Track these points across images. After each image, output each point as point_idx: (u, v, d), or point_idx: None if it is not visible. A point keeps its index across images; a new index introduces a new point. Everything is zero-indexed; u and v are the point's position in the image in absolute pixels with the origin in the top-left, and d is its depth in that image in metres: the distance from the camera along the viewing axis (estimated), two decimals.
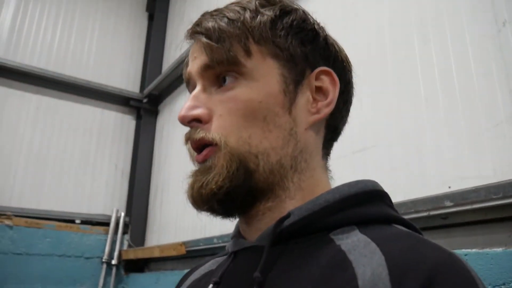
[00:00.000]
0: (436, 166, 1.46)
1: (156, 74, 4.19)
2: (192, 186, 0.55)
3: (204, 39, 0.56)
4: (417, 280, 0.40)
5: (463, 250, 1.21)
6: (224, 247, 2.27)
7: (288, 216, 0.52)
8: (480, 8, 1.44)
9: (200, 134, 0.55)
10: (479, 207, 1.23)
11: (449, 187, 1.41)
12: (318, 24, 0.63)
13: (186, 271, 2.82)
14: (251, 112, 0.54)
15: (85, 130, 3.91)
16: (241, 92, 0.55)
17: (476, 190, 1.23)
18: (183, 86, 3.70)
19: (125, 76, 4.26)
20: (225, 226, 2.62)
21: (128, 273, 3.59)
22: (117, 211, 3.76)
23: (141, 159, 4.00)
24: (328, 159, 0.64)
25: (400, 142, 1.59)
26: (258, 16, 0.57)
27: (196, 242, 2.66)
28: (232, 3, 0.60)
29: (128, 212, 3.82)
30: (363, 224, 0.51)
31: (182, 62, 3.46)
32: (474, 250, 1.19)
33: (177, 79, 3.75)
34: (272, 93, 0.56)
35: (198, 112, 0.55)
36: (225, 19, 0.56)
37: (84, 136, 3.90)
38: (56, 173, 3.66)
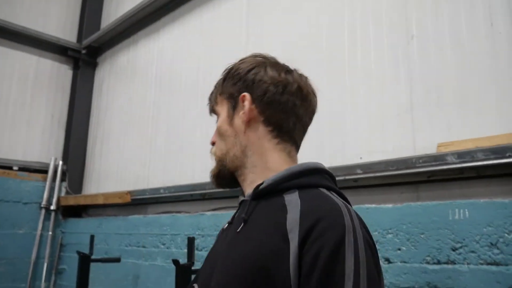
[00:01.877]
0: (353, 141, 1.91)
1: (95, 25, 4.20)
2: (210, 175, 1.03)
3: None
4: (310, 223, 0.77)
5: (366, 205, 1.68)
6: (169, 197, 2.63)
7: (261, 184, 0.90)
8: (396, 22, 1.86)
9: (212, 150, 1.04)
10: (380, 175, 1.69)
11: (361, 158, 1.87)
12: (243, 68, 1.00)
13: (130, 217, 3.12)
14: (219, 133, 1.01)
15: (20, 77, 3.89)
16: (218, 123, 1.02)
17: (380, 163, 1.69)
18: (126, 41, 3.82)
19: (61, 25, 4.22)
20: (167, 178, 2.94)
21: (66, 218, 3.78)
22: (55, 159, 3.87)
23: (78, 110, 4.08)
24: (286, 143, 0.98)
25: (327, 120, 2.01)
26: (220, 79, 1.04)
27: (143, 191, 2.96)
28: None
29: (65, 161, 3.94)
30: (301, 188, 0.88)
31: (126, 19, 3.56)
32: (373, 205, 1.66)
33: (119, 34, 3.84)
34: (224, 120, 1.00)
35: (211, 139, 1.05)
36: (214, 85, 1.07)
37: (19, 83, 3.88)
38: None
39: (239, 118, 0.97)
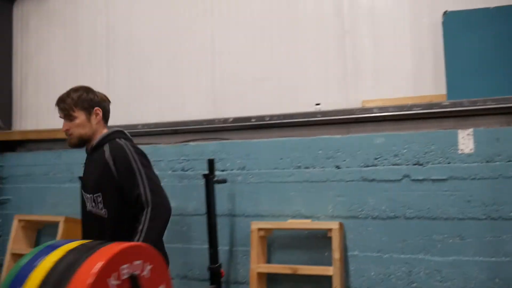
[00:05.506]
0: (307, 95, 3.00)
1: None
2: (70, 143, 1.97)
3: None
4: (114, 154, 1.84)
5: (323, 136, 2.82)
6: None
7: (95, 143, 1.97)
8: (333, 22, 2.94)
9: (72, 132, 1.93)
10: (333, 118, 2.84)
11: (317, 105, 2.98)
12: (86, 95, 1.91)
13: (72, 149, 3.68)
14: (78, 125, 1.90)
15: None
16: (78, 121, 1.90)
17: (332, 111, 2.82)
18: None
19: None
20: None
21: (2, 152, 3.97)
22: None
23: None
24: (106, 123, 1.97)
25: (286, 76, 3.03)
26: (70, 100, 1.89)
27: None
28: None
29: None
30: (108, 142, 1.89)
31: None
32: (327, 136, 2.81)
33: None
34: (84, 119, 1.90)
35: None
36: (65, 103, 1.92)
37: None
38: None
39: (95, 119, 1.92)
